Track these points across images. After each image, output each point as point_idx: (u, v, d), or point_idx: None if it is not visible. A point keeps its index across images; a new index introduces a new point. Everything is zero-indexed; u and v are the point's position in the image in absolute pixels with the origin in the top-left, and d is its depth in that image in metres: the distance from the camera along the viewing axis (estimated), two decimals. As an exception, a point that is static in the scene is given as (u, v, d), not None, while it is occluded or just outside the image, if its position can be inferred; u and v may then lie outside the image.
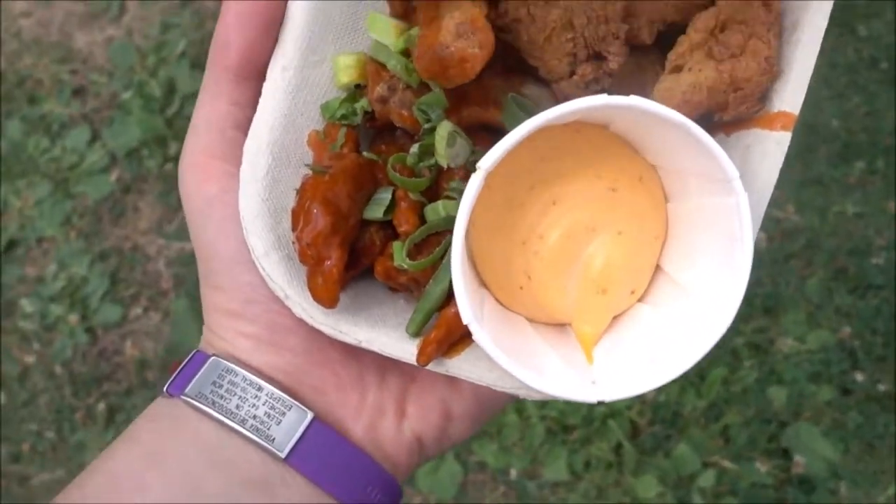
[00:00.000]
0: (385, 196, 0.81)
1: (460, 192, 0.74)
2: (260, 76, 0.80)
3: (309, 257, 0.76)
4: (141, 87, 2.53)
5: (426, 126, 0.79)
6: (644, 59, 0.81)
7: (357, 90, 0.83)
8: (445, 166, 0.79)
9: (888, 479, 2.07)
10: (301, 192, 0.79)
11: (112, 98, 2.55)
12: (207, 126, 0.80)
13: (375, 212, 0.80)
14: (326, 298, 0.76)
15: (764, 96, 0.77)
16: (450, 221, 0.77)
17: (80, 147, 2.49)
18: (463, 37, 0.71)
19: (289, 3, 0.79)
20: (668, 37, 0.80)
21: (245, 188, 0.78)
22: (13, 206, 2.45)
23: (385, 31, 0.80)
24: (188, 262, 2.38)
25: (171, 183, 2.46)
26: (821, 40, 0.77)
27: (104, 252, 2.43)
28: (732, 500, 2.11)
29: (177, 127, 2.47)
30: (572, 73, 0.77)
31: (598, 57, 0.77)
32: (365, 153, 0.81)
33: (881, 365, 2.19)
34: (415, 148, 0.80)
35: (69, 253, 2.43)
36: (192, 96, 2.50)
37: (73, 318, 2.39)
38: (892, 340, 2.21)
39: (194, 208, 0.80)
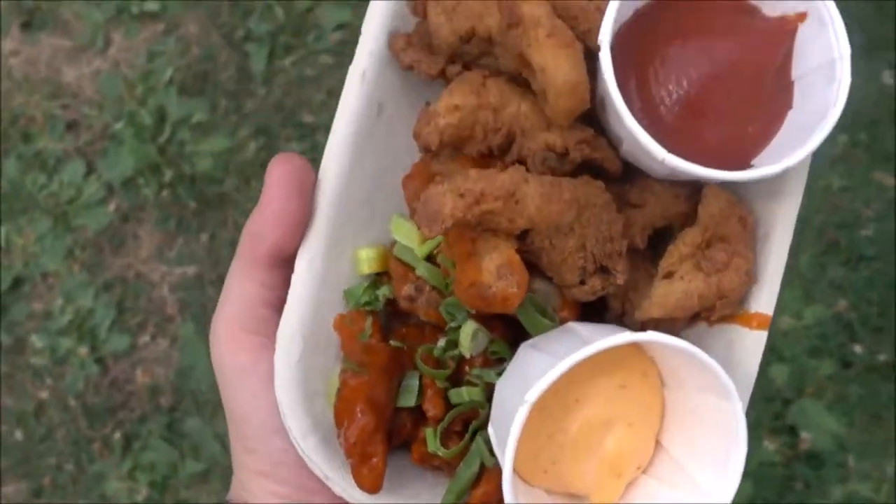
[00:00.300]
0: (413, 383, 0.91)
1: (481, 378, 0.89)
2: (288, 263, 0.89)
3: (356, 454, 0.86)
4: (132, 117, 2.55)
5: (452, 325, 0.89)
6: (636, 257, 0.94)
7: (377, 277, 0.92)
8: (468, 356, 0.89)
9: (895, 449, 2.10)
10: (342, 390, 0.88)
11: (104, 129, 2.55)
12: (240, 302, 0.89)
13: (408, 400, 0.91)
14: (371, 487, 0.86)
15: (743, 299, 0.91)
16: (473, 404, 0.89)
17: (77, 180, 2.51)
18: (503, 278, 0.82)
19: (317, 202, 0.88)
20: (654, 238, 0.95)
21: (280, 374, 0.87)
22: (16, 243, 2.48)
23: (409, 236, 0.90)
24: (191, 286, 2.41)
25: (168, 210, 2.47)
26: (787, 250, 0.91)
27: (108, 282, 2.45)
28: (744, 482, 2.13)
29: (169, 153, 2.50)
30: (582, 282, 0.88)
31: (604, 269, 0.88)
32: (392, 342, 0.91)
33: (879, 335, 2.22)
34: (441, 342, 0.90)
35: (74, 286, 2.44)
36: (182, 122, 2.52)
37: (83, 350, 2.42)
38: (889, 310, 2.24)
39: (227, 376, 0.89)
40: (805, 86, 0.89)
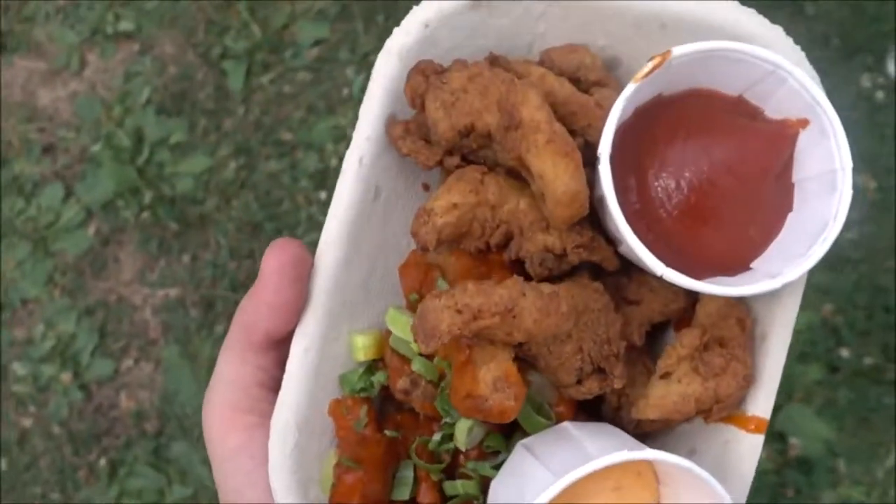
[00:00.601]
0: (408, 474, 0.92)
1: (476, 471, 0.90)
2: (282, 344, 0.89)
3: None
4: (109, 139, 2.51)
5: (447, 420, 0.89)
6: (633, 352, 0.94)
7: (373, 362, 0.92)
8: (464, 450, 0.89)
9: (885, 451, 2.10)
10: (338, 486, 0.89)
11: (82, 152, 2.54)
12: (233, 383, 0.89)
13: (403, 493, 0.91)
14: None
15: (740, 401, 0.91)
16: (467, 497, 0.90)
17: (55, 204, 2.48)
18: (500, 391, 0.81)
19: (313, 286, 0.89)
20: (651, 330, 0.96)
21: (274, 461, 0.88)
22: (-5, 270, 2.45)
23: (405, 329, 0.89)
24: (174, 308, 2.39)
25: (149, 232, 2.46)
26: (786, 351, 0.91)
27: (90, 307, 2.43)
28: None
29: (149, 175, 2.47)
30: (579, 382, 0.88)
31: (600, 370, 0.89)
32: (387, 432, 0.91)
33: (865, 339, 2.22)
34: (437, 436, 0.91)
35: (55, 311, 2.42)
36: (161, 143, 2.50)
37: (66, 376, 2.39)
38: (874, 313, 2.24)
39: (220, 456, 0.89)
40: (805, 190, 0.89)
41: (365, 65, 2.45)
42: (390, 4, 2.46)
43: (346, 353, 0.91)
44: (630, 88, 0.84)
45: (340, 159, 2.49)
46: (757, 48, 0.85)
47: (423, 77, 0.88)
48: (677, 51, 0.84)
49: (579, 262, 0.89)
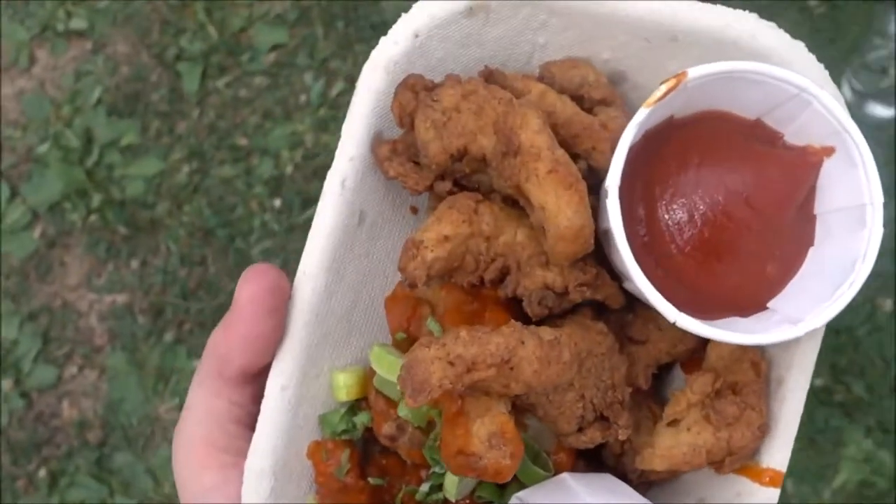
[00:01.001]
0: None
1: None
2: (258, 380, 0.83)
3: None
4: (57, 139, 2.44)
5: (437, 470, 0.83)
6: (637, 396, 0.87)
7: (355, 403, 0.86)
8: (454, 501, 0.82)
9: (832, 473, 2.12)
10: None
11: (28, 152, 2.47)
12: (207, 419, 0.83)
13: None
14: None
15: (754, 452, 0.85)
16: None
17: (0, 205, 2.43)
18: (495, 448, 0.74)
19: (291, 318, 0.82)
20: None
21: None
22: (-66, 272, 2.37)
23: (390, 369, 0.82)
24: (121, 314, 2.33)
25: (97, 235, 2.40)
26: (804, 399, 0.85)
27: (33, 312, 2.35)
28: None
29: (98, 177, 2.40)
30: (579, 430, 0.82)
31: (603, 418, 0.82)
32: (371, 479, 0.85)
33: (815, 359, 2.25)
34: (425, 486, 0.84)
35: (-4, 315, 2.36)
36: (111, 145, 2.43)
37: (7, 383, 2.31)
38: (824, 335, 2.26)
39: (193, 493, 0.83)
40: (829, 224, 0.82)
41: (324, 71, 2.42)
42: (350, 9, 2.43)
43: (326, 391, 0.85)
44: (642, 113, 0.77)
45: (296, 167, 2.47)
46: (781, 70, 0.78)
47: (413, 93, 0.81)
48: (694, 72, 0.77)
49: (581, 301, 0.83)
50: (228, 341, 0.81)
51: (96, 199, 2.38)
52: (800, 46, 0.83)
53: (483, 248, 0.80)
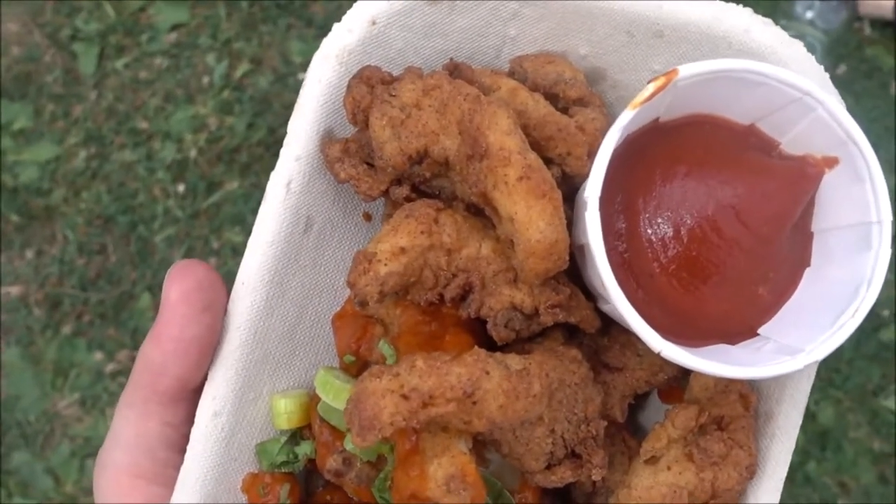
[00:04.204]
0: None
1: None
2: (195, 398, 0.75)
3: None
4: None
5: None
6: (611, 428, 0.79)
7: (298, 431, 0.78)
8: None
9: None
10: None
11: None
12: (134, 444, 0.75)
13: None
14: None
15: (740, 494, 0.77)
16: None
17: None
18: (453, 493, 0.66)
19: (226, 330, 0.75)
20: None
21: None
22: None
23: (338, 396, 0.74)
24: (15, 307, 2.22)
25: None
26: (796, 436, 0.77)
27: (-81, 306, 2.24)
28: None
29: (-11, 160, 2.30)
30: (548, 466, 0.73)
31: (574, 454, 0.74)
32: None
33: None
34: None
35: None
36: (3, 129, 2.30)
37: None
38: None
39: None
40: (829, 243, 0.74)
41: (227, 51, 2.33)
42: (256, -12, 2.36)
43: (265, 416, 0.77)
44: (627, 116, 0.68)
45: (200, 151, 2.39)
46: (783, 71, 0.70)
47: (368, 87, 0.73)
48: (686, 70, 0.68)
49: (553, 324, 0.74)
50: (161, 349, 0.73)
51: (-10, 184, 2.27)
52: (798, 45, 0.76)
53: (444, 263, 0.72)
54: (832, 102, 0.70)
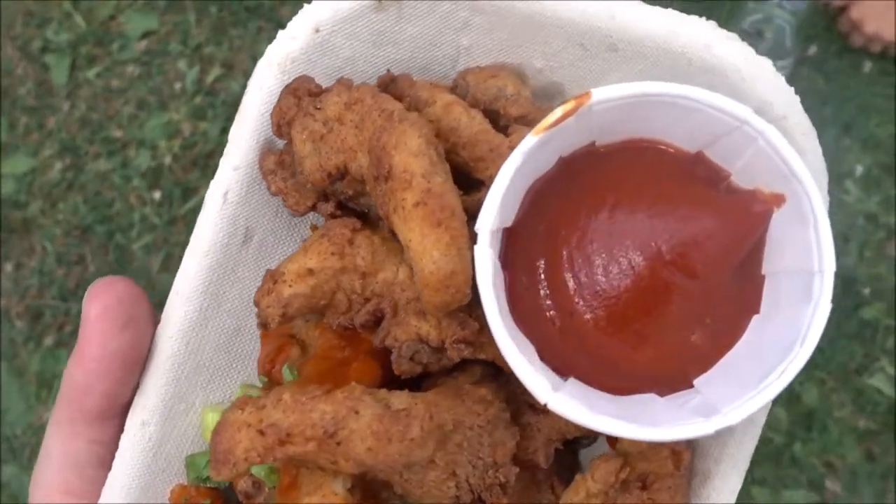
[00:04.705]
0: None
1: None
2: (124, 413, 0.74)
3: None
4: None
5: None
6: (539, 474, 0.74)
7: None
8: None
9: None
10: None
11: None
12: (65, 462, 0.74)
13: None
14: None
15: None
16: None
17: None
18: None
19: (156, 341, 0.72)
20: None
21: None
22: None
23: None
24: (-3, 319, 2.23)
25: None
26: (734, 502, 0.70)
27: None
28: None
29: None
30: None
31: (483, 501, 0.68)
32: None
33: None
34: None
35: None
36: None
37: None
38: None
39: None
40: (780, 288, 0.65)
41: (198, 57, 2.33)
42: (225, -7, 2.36)
43: (197, 428, 0.75)
44: (529, 141, 0.62)
45: (175, 157, 2.38)
46: (714, 95, 0.62)
47: (295, 99, 0.69)
48: (599, 94, 0.62)
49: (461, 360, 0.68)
50: (83, 367, 0.71)
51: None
52: (765, 64, 0.69)
53: (358, 286, 0.68)
54: (772, 133, 0.62)
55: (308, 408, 0.60)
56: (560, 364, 0.65)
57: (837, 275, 0.61)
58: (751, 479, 2.10)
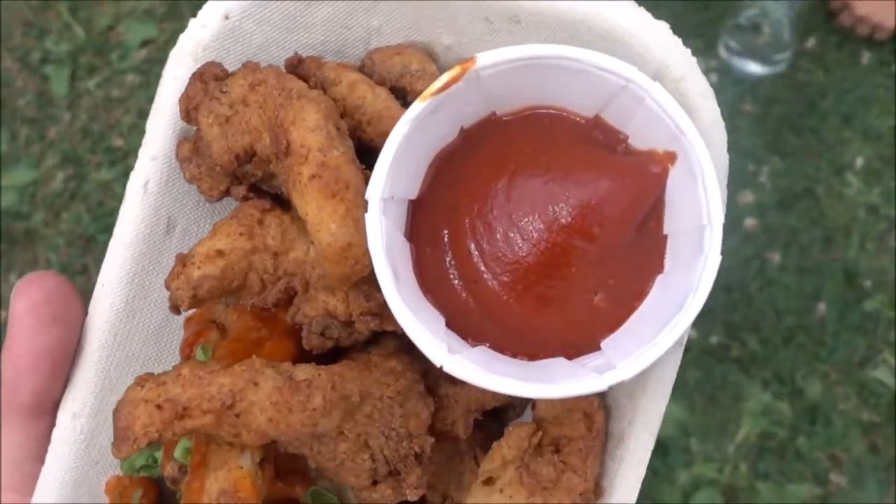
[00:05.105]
0: None
1: None
2: (57, 408, 0.74)
3: None
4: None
5: None
6: (461, 444, 0.74)
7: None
8: None
9: (734, 427, 2.15)
10: None
11: None
12: (2, 458, 0.74)
13: None
14: None
15: None
16: None
17: None
18: None
19: (86, 332, 0.73)
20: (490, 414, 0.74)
21: None
22: None
23: None
24: (2, 332, 2.24)
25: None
26: (647, 461, 0.70)
27: None
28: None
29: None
30: (374, 482, 0.68)
31: (397, 472, 0.68)
32: None
33: (709, 317, 2.27)
34: None
35: None
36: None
37: None
38: (715, 293, 2.28)
39: None
40: (678, 246, 0.66)
41: (198, 65, 2.34)
42: (221, 1, 2.36)
43: None
44: (416, 108, 0.63)
45: (177, 164, 2.39)
46: (597, 55, 0.63)
47: (202, 84, 0.69)
48: (484, 59, 0.63)
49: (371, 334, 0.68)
50: (11, 364, 0.71)
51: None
52: (663, 27, 0.69)
53: (269, 266, 0.68)
54: (658, 91, 0.63)
55: (206, 381, 0.61)
56: (471, 333, 0.66)
57: (727, 228, 0.63)
58: (754, 474, 2.10)
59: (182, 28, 2.55)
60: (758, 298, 2.24)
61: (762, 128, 2.23)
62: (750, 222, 2.20)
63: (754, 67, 2.30)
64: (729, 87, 2.30)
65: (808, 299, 2.18)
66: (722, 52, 2.33)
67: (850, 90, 2.29)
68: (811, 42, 2.36)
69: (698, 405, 2.16)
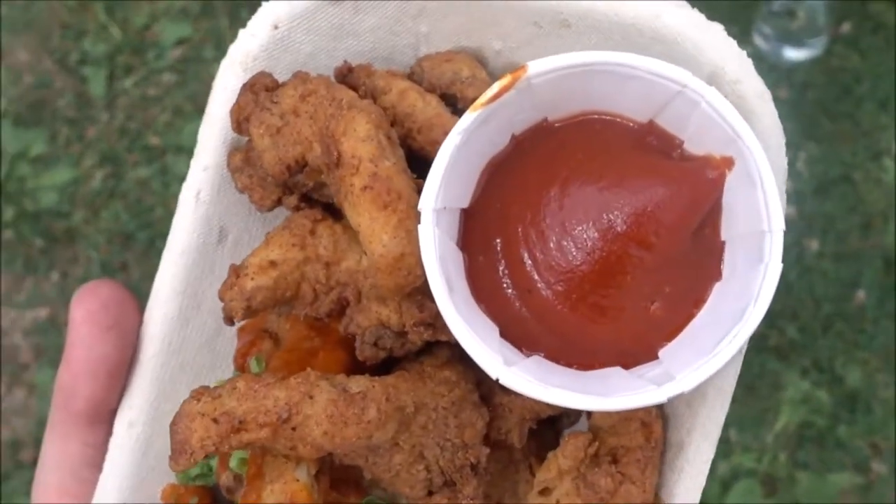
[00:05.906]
0: None
1: None
2: (113, 416, 0.75)
3: None
4: (-36, 152, 2.38)
5: None
6: (516, 454, 0.73)
7: None
8: None
9: (773, 416, 2.14)
10: None
11: (-66, 166, 2.40)
12: (60, 465, 0.75)
13: None
14: None
15: None
16: None
17: (-89, 227, 2.34)
18: None
19: (141, 341, 0.73)
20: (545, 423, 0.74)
21: None
22: None
23: None
24: (45, 329, 2.26)
25: (13, 250, 2.31)
26: (707, 471, 0.69)
27: (-46, 334, 2.30)
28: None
29: (9, 190, 2.31)
30: (430, 493, 0.67)
31: (453, 482, 0.67)
32: None
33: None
34: None
35: (-84, 340, 2.29)
36: (20, 156, 2.33)
37: (-67, 409, 2.25)
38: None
39: None
40: (736, 253, 0.65)
41: (232, 62, 2.36)
42: (254, -1, 2.39)
43: None
44: (467, 118, 0.62)
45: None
46: (650, 60, 0.62)
47: (253, 94, 0.69)
48: (536, 67, 0.62)
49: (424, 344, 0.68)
50: (70, 371, 0.73)
51: (9, 214, 2.31)
52: (717, 29, 0.67)
53: (322, 276, 0.68)
54: (714, 95, 0.62)
55: (262, 395, 0.61)
56: (525, 342, 0.65)
57: (787, 233, 0.62)
58: (794, 463, 2.09)
59: (217, 27, 2.58)
60: (796, 286, 2.22)
61: (798, 114, 2.21)
62: (787, 210, 2.18)
63: (789, 53, 2.28)
64: (764, 74, 2.28)
65: (846, 286, 2.16)
66: (756, 38, 2.31)
67: (885, 75, 2.26)
68: (846, 27, 2.33)
69: (736, 395, 2.14)
